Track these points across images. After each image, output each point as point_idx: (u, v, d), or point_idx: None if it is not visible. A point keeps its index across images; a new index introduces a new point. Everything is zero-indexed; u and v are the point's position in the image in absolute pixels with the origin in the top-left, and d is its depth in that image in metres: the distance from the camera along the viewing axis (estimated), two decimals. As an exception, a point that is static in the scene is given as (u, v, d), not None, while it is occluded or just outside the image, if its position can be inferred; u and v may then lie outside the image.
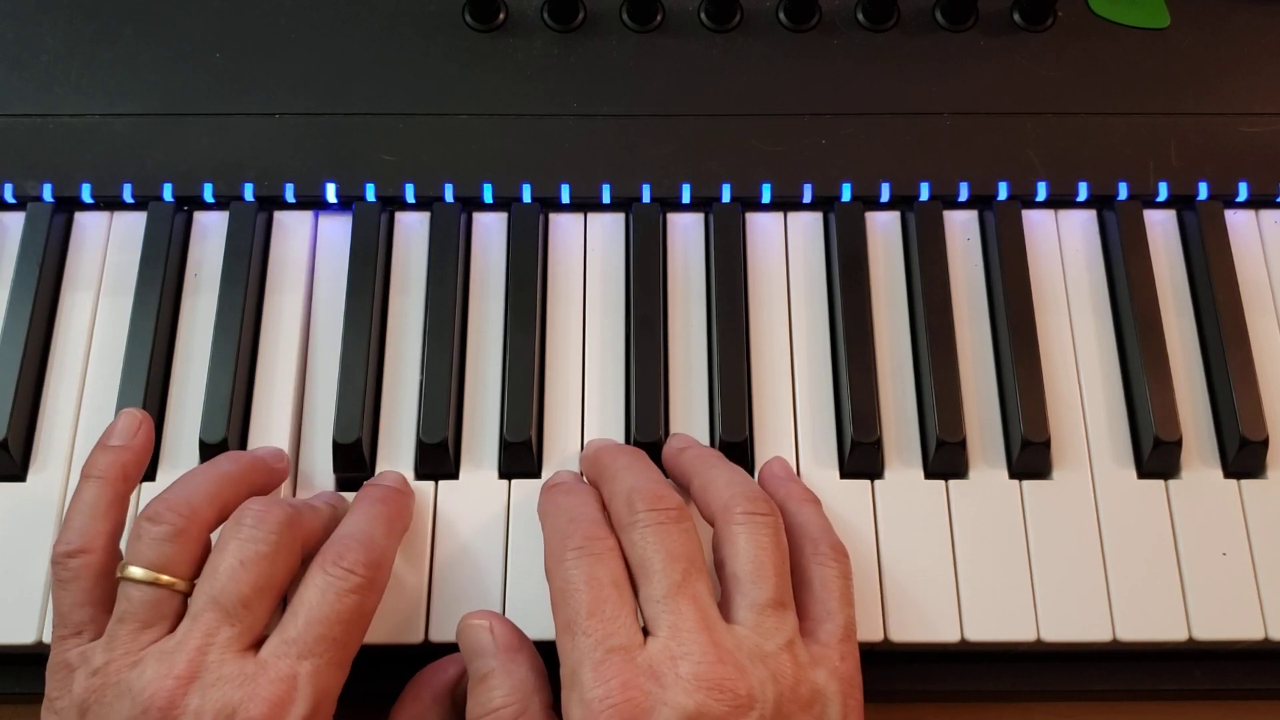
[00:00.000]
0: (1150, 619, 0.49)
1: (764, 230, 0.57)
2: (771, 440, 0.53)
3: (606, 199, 0.56)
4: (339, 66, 0.58)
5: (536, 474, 0.52)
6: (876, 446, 0.51)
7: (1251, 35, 0.59)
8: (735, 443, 0.51)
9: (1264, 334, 0.55)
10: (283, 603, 0.45)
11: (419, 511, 0.51)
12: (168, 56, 0.58)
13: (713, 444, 0.52)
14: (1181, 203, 0.57)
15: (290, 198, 0.56)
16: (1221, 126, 0.57)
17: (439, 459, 0.51)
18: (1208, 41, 0.59)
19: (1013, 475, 0.52)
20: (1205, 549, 0.50)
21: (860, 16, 0.59)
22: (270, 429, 0.52)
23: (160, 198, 0.56)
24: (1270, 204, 0.57)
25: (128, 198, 0.56)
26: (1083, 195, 0.56)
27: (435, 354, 0.53)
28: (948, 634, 0.49)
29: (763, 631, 0.43)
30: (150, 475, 0.51)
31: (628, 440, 0.52)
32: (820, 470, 0.52)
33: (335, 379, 0.53)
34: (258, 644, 0.43)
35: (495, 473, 0.52)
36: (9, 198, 0.56)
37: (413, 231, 0.57)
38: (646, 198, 0.56)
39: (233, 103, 0.57)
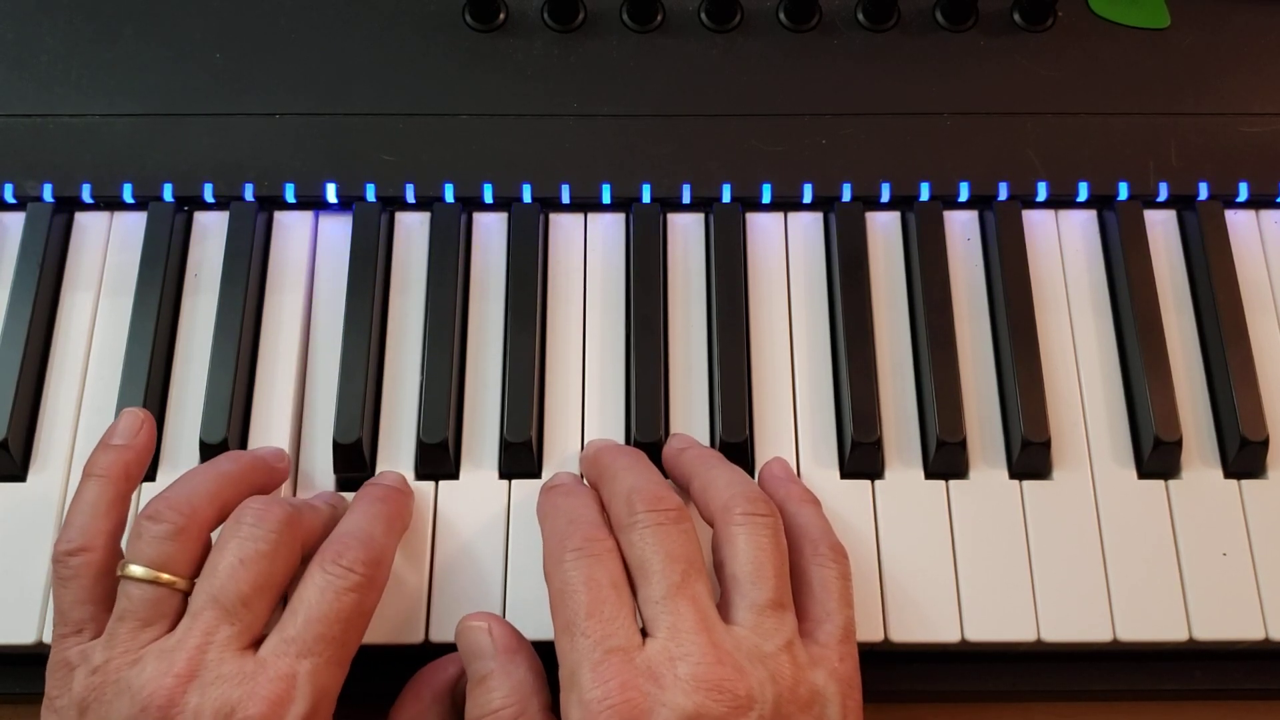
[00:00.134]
0: (1150, 619, 0.49)
1: (764, 230, 0.57)
2: (771, 440, 0.53)
3: (607, 199, 0.56)
4: (339, 66, 0.58)
5: (537, 474, 0.52)
6: (877, 446, 0.51)
7: (1251, 35, 0.59)
8: (735, 443, 0.51)
9: (1264, 334, 0.55)
10: (283, 602, 0.45)
11: (419, 511, 0.51)
12: (168, 56, 0.58)
13: (713, 444, 0.52)
14: (1182, 203, 0.57)
15: (290, 198, 0.56)
16: (1221, 126, 0.57)
17: (439, 459, 0.51)
18: (1208, 41, 0.59)
19: (1013, 475, 0.52)
20: (1205, 549, 0.50)
21: (860, 16, 0.59)
22: (270, 429, 0.53)
23: (160, 198, 0.56)
24: (1270, 204, 0.57)
25: (128, 198, 0.56)
26: (1083, 195, 0.56)
27: (435, 354, 0.53)
28: (948, 634, 0.49)
29: (762, 632, 0.43)
30: (150, 475, 0.51)
31: (628, 440, 0.52)
32: (820, 470, 0.52)
33: (335, 379, 0.53)
34: (257, 643, 0.43)
35: (495, 473, 0.52)
36: (9, 198, 0.56)
37: (413, 231, 0.57)
38: (647, 198, 0.56)
39: (233, 103, 0.57)
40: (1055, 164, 0.56)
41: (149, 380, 0.52)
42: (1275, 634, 0.49)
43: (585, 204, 0.57)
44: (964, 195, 0.56)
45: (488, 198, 0.56)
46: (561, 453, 0.52)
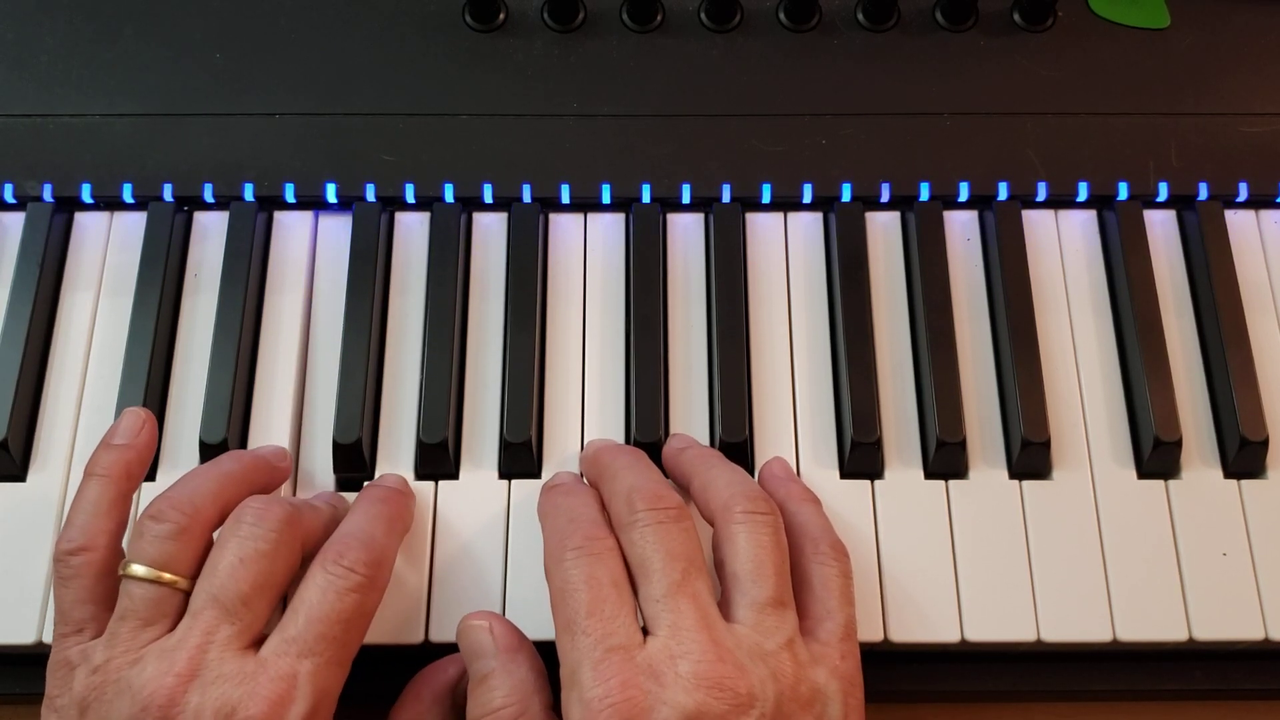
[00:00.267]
0: (1150, 619, 0.49)
1: (764, 230, 0.57)
2: (771, 440, 0.53)
3: (606, 199, 0.56)
4: (339, 66, 0.58)
5: (537, 474, 0.52)
6: (876, 446, 0.51)
7: (1251, 35, 0.59)
8: (735, 443, 0.51)
9: (1264, 334, 0.55)
10: (283, 602, 0.45)
11: (419, 511, 0.51)
12: (168, 56, 0.58)
13: (713, 444, 0.52)
14: (1182, 203, 0.57)
15: (290, 198, 0.56)
16: (1221, 126, 0.57)
17: (439, 459, 0.51)
18: (1208, 41, 0.59)
19: (1013, 475, 0.52)
20: (1205, 549, 0.50)
21: (860, 17, 0.59)
22: (270, 429, 0.52)
23: (160, 198, 0.56)
24: (1270, 204, 0.57)
25: (128, 198, 0.56)
26: (1083, 195, 0.56)
27: (435, 354, 0.53)
28: (948, 634, 0.49)
29: (763, 630, 0.43)
30: (150, 476, 0.51)
31: (628, 440, 0.52)
32: (820, 470, 0.52)
33: (335, 379, 0.53)
34: (258, 642, 0.43)
35: (495, 473, 0.52)
36: (9, 198, 0.56)
37: (413, 231, 0.57)
38: (646, 198, 0.56)
39: (233, 103, 0.57)
40: (1055, 164, 0.56)
41: (149, 380, 0.52)
42: (1275, 634, 0.49)
43: (585, 204, 0.57)
44: (964, 195, 0.56)
45: (488, 198, 0.56)
46: (561, 453, 0.52)
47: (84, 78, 0.58)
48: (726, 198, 0.56)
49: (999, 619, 0.49)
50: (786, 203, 0.57)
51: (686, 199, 0.56)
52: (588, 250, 0.57)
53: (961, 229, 0.57)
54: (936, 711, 0.52)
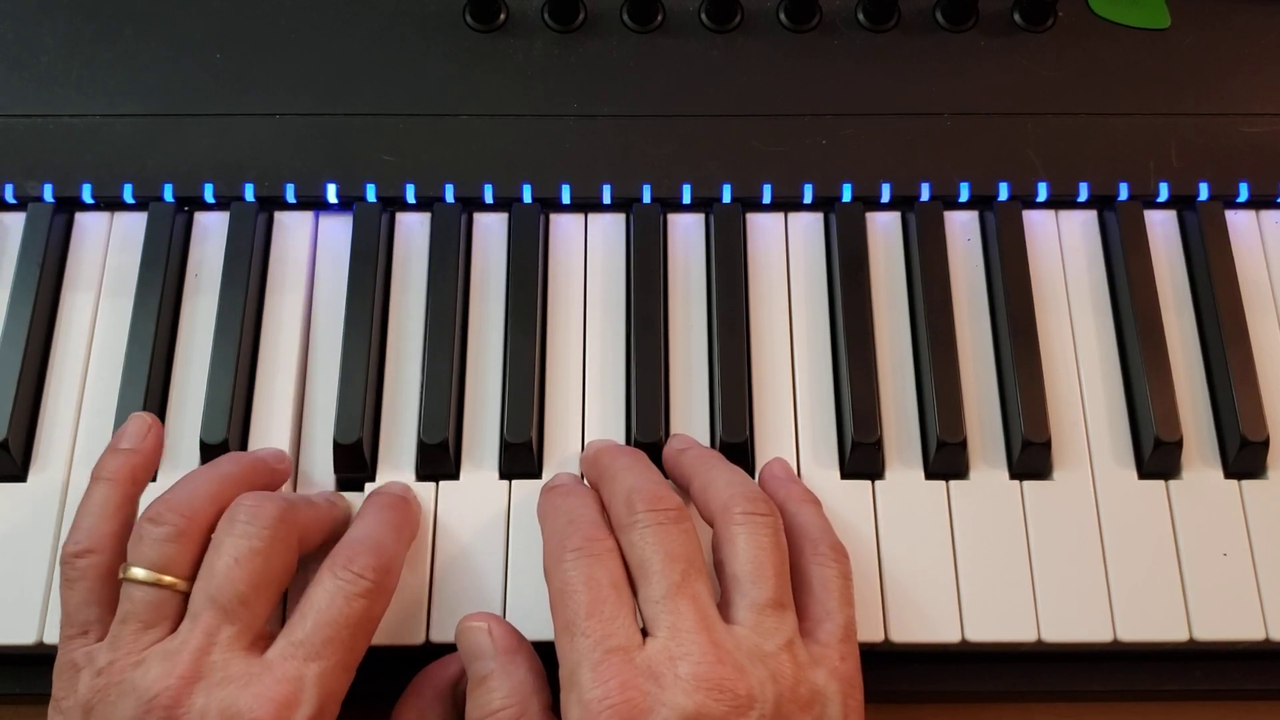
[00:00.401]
0: (1151, 619, 0.49)
1: (764, 231, 0.57)
2: (772, 440, 0.53)
3: (607, 199, 0.56)
4: (339, 66, 0.58)
5: (537, 475, 0.52)
6: (877, 447, 0.51)
7: (1251, 35, 0.59)
8: (735, 443, 0.51)
9: (1264, 334, 0.55)
10: (283, 602, 0.45)
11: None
12: (168, 56, 0.58)
13: (713, 444, 0.52)
14: (1182, 203, 0.57)
15: (291, 198, 0.56)
16: (1222, 126, 0.57)
17: (439, 459, 0.51)
18: (1208, 41, 0.59)
19: (1013, 476, 0.52)
20: (1206, 549, 0.50)
21: (861, 17, 0.59)
22: (271, 430, 0.53)
23: (161, 198, 0.56)
24: (1270, 204, 0.57)
25: (128, 198, 0.56)
26: (1083, 195, 0.56)
27: (436, 354, 0.53)
28: (948, 634, 0.49)
29: (762, 631, 0.43)
30: (151, 476, 0.51)
31: (628, 440, 0.52)
32: (821, 471, 0.52)
33: (336, 379, 0.53)
34: (260, 640, 0.44)
35: (496, 473, 0.52)
36: (9, 198, 0.56)
37: (413, 232, 0.57)
38: (647, 198, 0.56)
39: (233, 103, 0.57)
40: (1055, 164, 0.56)
41: (149, 381, 0.52)
42: (1275, 634, 0.49)
43: (585, 204, 0.57)
44: (964, 195, 0.56)
45: (488, 198, 0.56)
46: (561, 453, 0.52)
47: (84, 78, 0.58)
48: (727, 198, 0.56)
49: (999, 619, 0.49)
50: (787, 203, 0.57)
51: (687, 199, 0.56)
52: (588, 250, 0.57)
53: (962, 229, 0.57)
54: (937, 711, 0.52)
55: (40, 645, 0.49)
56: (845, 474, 0.52)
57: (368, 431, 0.52)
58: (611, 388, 0.54)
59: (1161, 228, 0.57)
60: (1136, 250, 0.55)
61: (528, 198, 0.56)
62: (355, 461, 0.51)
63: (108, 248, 0.56)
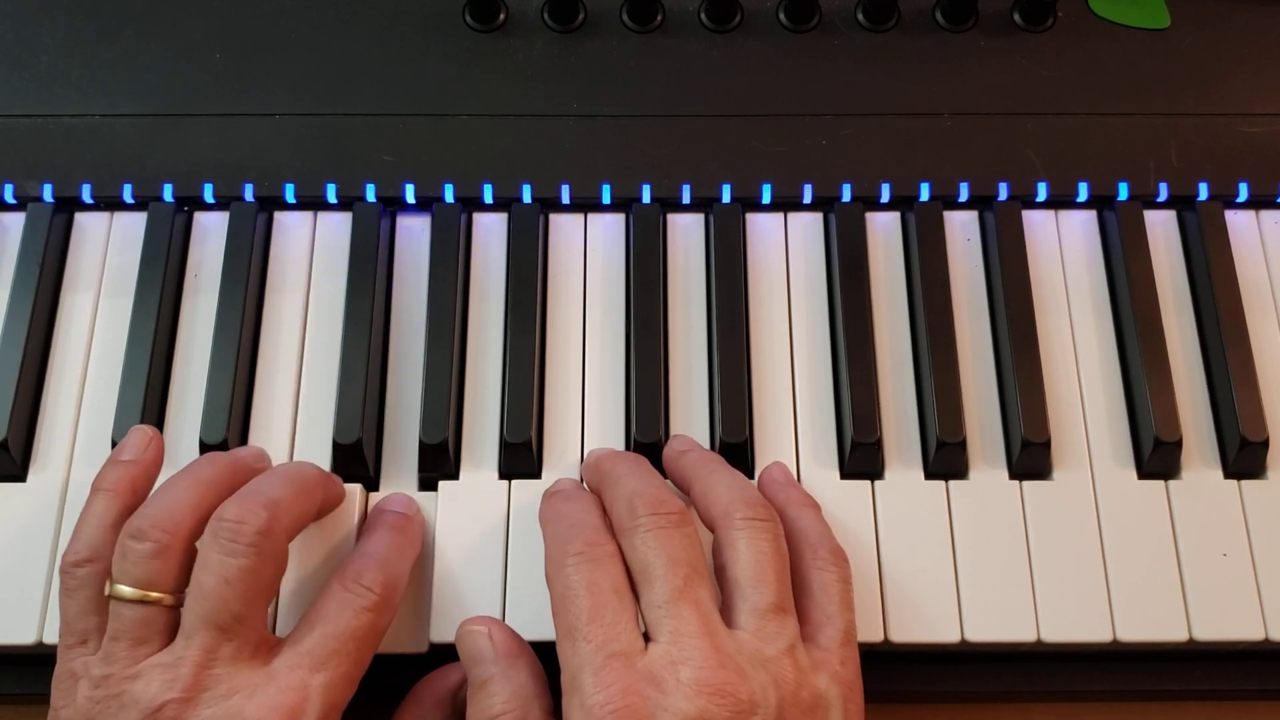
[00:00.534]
0: (1150, 619, 0.49)
1: (764, 231, 0.57)
2: (771, 441, 0.53)
3: (607, 199, 0.56)
4: (339, 66, 0.58)
5: (537, 475, 0.52)
6: (877, 447, 0.51)
7: (1251, 35, 0.59)
8: (735, 443, 0.51)
9: (1264, 334, 0.55)
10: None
11: (419, 511, 0.51)
12: (168, 56, 0.58)
13: (713, 445, 0.52)
14: (1182, 203, 0.57)
15: (290, 198, 0.56)
16: (1221, 127, 0.57)
17: (439, 459, 0.51)
18: (1208, 41, 0.59)
19: (1013, 476, 0.52)
20: (1205, 549, 0.50)
21: (860, 17, 0.59)
22: (270, 429, 0.53)
23: (160, 198, 0.56)
24: (1270, 204, 0.57)
25: (128, 198, 0.56)
26: (1083, 196, 0.56)
27: (435, 354, 0.53)
28: (948, 634, 0.49)
29: (764, 636, 0.43)
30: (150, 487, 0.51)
31: (628, 441, 0.52)
32: (820, 471, 0.52)
33: (335, 379, 0.53)
34: (262, 646, 0.44)
35: (495, 473, 0.52)
36: (9, 198, 0.56)
37: (413, 232, 0.57)
38: (647, 198, 0.56)
39: (233, 103, 0.57)
40: (1055, 164, 0.56)
41: (149, 380, 0.52)
42: (1275, 634, 0.49)
43: (585, 204, 0.57)
44: (964, 195, 0.56)
45: (488, 198, 0.56)
46: (561, 453, 0.52)
47: (84, 78, 0.58)
48: (727, 198, 0.56)
49: (999, 619, 0.49)
50: (787, 203, 0.57)
51: (687, 199, 0.56)
52: (588, 250, 0.57)
53: (962, 229, 0.57)
54: (936, 712, 0.52)
55: (40, 645, 0.49)
56: (845, 474, 0.52)
57: (368, 431, 0.52)
58: (611, 388, 0.54)
59: (1161, 228, 0.57)
60: (1136, 250, 0.55)
61: (527, 198, 0.56)
62: (355, 461, 0.51)
63: (107, 248, 0.56)
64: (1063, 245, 0.57)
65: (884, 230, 0.57)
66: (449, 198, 0.56)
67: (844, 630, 0.45)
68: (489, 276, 0.56)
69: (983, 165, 0.56)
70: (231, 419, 0.51)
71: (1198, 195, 0.56)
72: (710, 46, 0.59)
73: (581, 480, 0.51)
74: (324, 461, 0.52)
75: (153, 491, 0.47)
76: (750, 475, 0.52)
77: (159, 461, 0.49)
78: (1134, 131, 0.57)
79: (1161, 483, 0.52)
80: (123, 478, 0.47)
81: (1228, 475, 0.52)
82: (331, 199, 0.56)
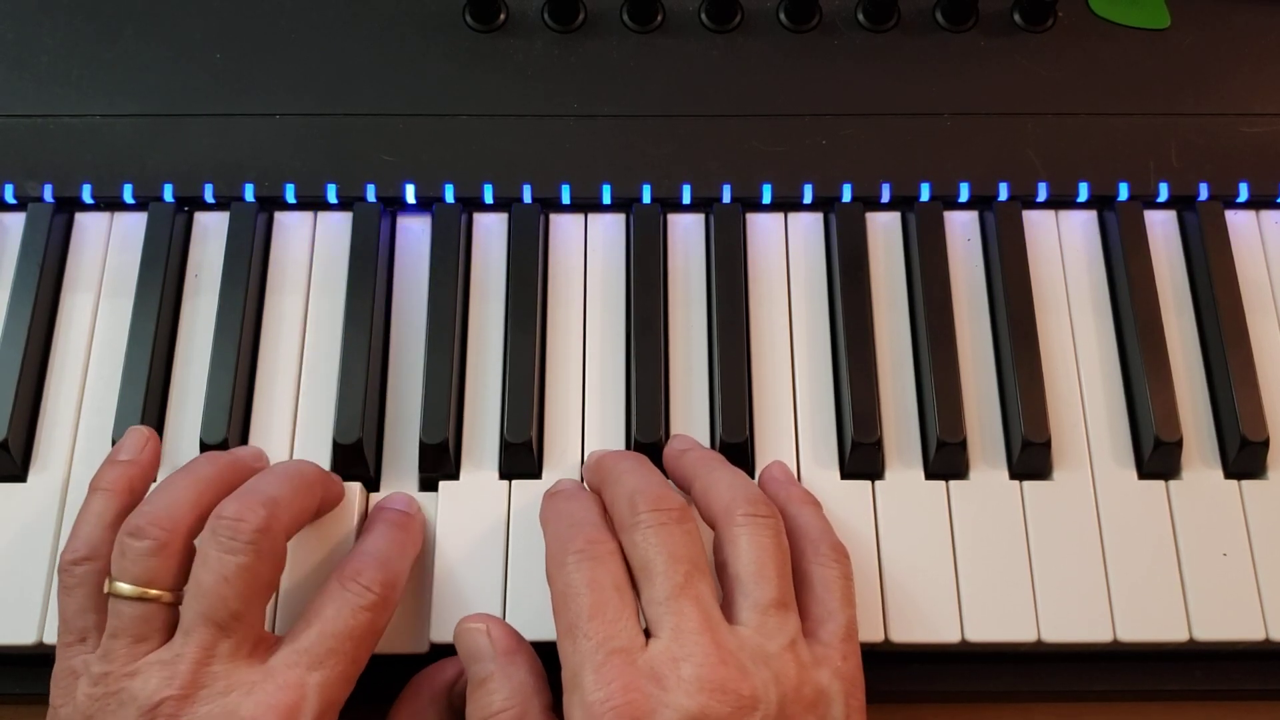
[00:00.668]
0: (1151, 619, 0.49)
1: (764, 231, 0.57)
2: (772, 441, 0.53)
3: (607, 199, 0.56)
4: (339, 66, 0.58)
5: (537, 475, 0.52)
6: (877, 447, 0.51)
7: (1251, 35, 0.59)
8: (735, 443, 0.51)
9: (1264, 334, 0.55)
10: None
11: (419, 511, 0.51)
12: (168, 56, 0.58)
13: (713, 444, 0.52)
14: (1182, 203, 0.57)
15: (291, 198, 0.56)
16: (1222, 126, 0.57)
17: (440, 459, 0.51)
18: (1208, 41, 0.59)
19: (1013, 476, 0.52)
20: (1206, 549, 0.50)
21: (860, 17, 0.59)
22: (271, 429, 0.53)
23: (161, 198, 0.56)
24: (1270, 204, 0.57)
25: (128, 198, 0.56)
26: (1083, 196, 0.56)
27: (435, 354, 0.53)
28: (948, 634, 0.49)
29: (765, 632, 0.43)
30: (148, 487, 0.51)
31: (628, 441, 0.53)
32: (821, 471, 0.52)
33: (336, 379, 0.53)
34: (261, 644, 0.44)
35: (496, 473, 0.52)
36: (9, 198, 0.56)
37: (414, 232, 0.57)
38: (647, 198, 0.56)
39: (233, 103, 0.57)
40: (1055, 164, 0.56)
41: (149, 381, 0.52)
42: (1275, 634, 0.49)
43: (585, 204, 0.57)
44: (964, 195, 0.56)
45: (488, 198, 0.56)
46: (562, 453, 0.52)
47: (84, 78, 0.58)
48: (727, 198, 0.56)
49: (999, 619, 0.49)
50: (787, 203, 0.57)
51: (687, 199, 0.56)
52: (588, 251, 0.57)
53: (962, 229, 0.57)
54: (937, 711, 0.52)
55: (40, 645, 0.49)
56: (845, 474, 0.52)
57: (368, 432, 0.52)
58: (611, 388, 0.54)
59: (1161, 228, 0.57)
60: (1136, 250, 0.55)
61: (528, 198, 0.56)
62: (355, 461, 0.51)
63: (108, 248, 0.56)
64: (1063, 245, 0.57)
65: (884, 230, 0.57)
66: (449, 198, 0.56)
67: (845, 626, 0.45)
68: (489, 276, 0.56)
69: (983, 165, 0.56)
70: (232, 419, 0.51)
71: (1198, 195, 0.56)
72: (710, 46, 0.59)
73: (583, 481, 0.51)
74: (324, 462, 0.52)
75: (151, 490, 0.48)
76: (751, 475, 0.52)
77: (156, 461, 0.49)
78: (1134, 131, 0.57)
79: (1162, 483, 0.52)
80: (120, 477, 0.47)
81: (1228, 475, 0.52)
82: (332, 199, 0.56)
